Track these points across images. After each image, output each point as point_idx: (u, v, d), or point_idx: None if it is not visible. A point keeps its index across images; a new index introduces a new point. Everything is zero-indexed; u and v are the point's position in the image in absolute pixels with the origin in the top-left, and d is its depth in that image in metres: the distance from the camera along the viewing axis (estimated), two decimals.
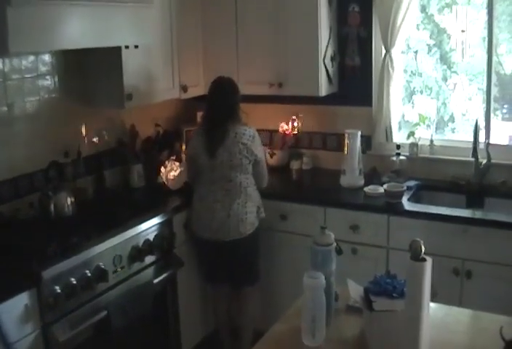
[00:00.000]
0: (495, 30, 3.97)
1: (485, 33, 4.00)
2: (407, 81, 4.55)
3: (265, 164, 3.71)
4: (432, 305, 2.18)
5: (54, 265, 2.72)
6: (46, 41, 2.83)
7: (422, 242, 1.85)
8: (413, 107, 4.55)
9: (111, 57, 3.47)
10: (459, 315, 2.32)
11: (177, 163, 3.93)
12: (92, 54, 3.45)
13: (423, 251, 1.85)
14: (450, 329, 2.16)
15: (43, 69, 3.45)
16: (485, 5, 3.98)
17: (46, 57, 3.46)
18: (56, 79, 3.53)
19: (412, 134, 4.12)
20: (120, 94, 3.50)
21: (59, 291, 2.72)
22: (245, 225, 3.55)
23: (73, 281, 2.80)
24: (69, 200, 3.31)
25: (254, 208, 3.59)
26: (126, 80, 3.51)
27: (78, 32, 2.96)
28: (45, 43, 2.88)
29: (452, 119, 4.66)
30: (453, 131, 4.58)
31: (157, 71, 3.80)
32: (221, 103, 3.53)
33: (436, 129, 4.45)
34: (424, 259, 1.85)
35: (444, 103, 4.70)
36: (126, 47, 3.42)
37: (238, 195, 3.54)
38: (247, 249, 3.64)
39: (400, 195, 3.65)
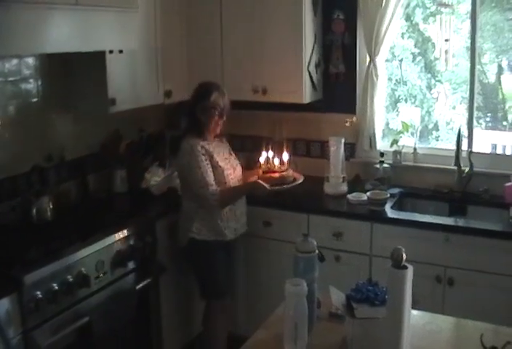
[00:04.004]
0: (479, 40, 4.01)
1: (469, 42, 4.03)
2: (392, 89, 4.57)
3: (197, 182, 3.37)
4: (414, 312, 2.18)
5: (35, 270, 2.70)
6: (29, 45, 2.81)
7: (403, 250, 1.86)
8: (397, 115, 4.57)
9: (95, 61, 3.45)
10: (441, 323, 2.32)
11: (161, 169, 3.92)
12: (76, 58, 3.43)
13: (404, 258, 1.85)
14: (432, 337, 2.17)
15: (26, 72, 3.43)
16: (469, 15, 4.01)
17: (30, 61, 3.44)
18: (39, 83, 3.50)
19: (395, 142, 4.14)
20: (104, 99, 3.48)
21: (40, 296, 2.69)
22: (178, 235, 3.61)
23: (55, 286, 2.78)
24: (51, 204, 3.29)
25: (186, 224, 3.52)
26: (111, 85, 3.49)
27: (62, 36, 2.94)
28: (29, 47, 2.86)
29: (436, 127, 4.70)
30: (437, 140, 4.62)
31: (141, 76, 3.79)
32: (184, 110, 3.59)
33: (420, 137, 4.48)
34: (405, 267, 1.86)
35: (428, 111, 4.73)
36: (111, 52, 3.40)
37: (183, 205, 3.59)
38: (188, 259, 3.65)
39: (383, 202, 3.66)
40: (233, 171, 3.56)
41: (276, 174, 3.51)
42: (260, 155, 3.72)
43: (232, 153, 3.69)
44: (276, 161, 3.60)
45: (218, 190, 3.38)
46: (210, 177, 3.38)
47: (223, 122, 3.52)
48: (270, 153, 3.63)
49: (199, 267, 3.61)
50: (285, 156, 3.61)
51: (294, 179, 3.57)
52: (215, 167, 3.43)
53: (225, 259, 3.65)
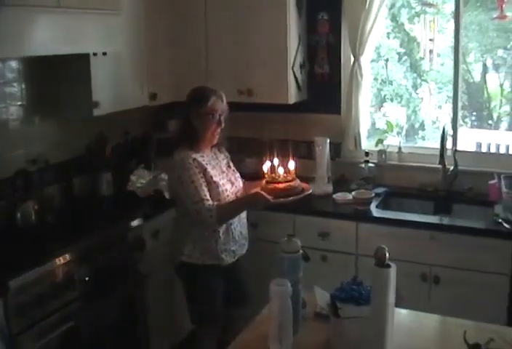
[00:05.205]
0: (464, 39, 4.03)
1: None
2: (378, 88, 4.58)
3: (191, 197, 3.03)
4: (399, 310, 2.20)
5: (21, 274, 2.68)
6: (12, 48, 2.82)
7: (386, 249, 1.87)
8: (383, 114, 4.59)
9: (79, 64, 3.43)
10: (426, 321, 2.34)
11: (146, 171, 3.92)
12: (60, 61, 3.41)
13: (387, 257, 1.86)
14: (417, 335, 2.18)
15: (10, 76, 3.40)
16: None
17: (13, 64, 3.41)
18: (23, 86, 3.48)
19: (380, 141, 4.15)
20: (88, 102, 3.45)
21: (26, 301, 2.68)
22: (172, 252, 3.33)
23: (41, 290, 2.76)
24: (36, 208, 3.27)
25: (177, 244, 3.24)
26: (95, 87, 3.46)
27: (46, 38, 2.95)
28: (11, 50, 2.87)
29: (422, 127, 4.72)
30: (423, 139, 4.63)
31: (126, 78, 3.78)
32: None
33: (407, 136, 4.50)
34: (388, 266, 1.86)
35: (414, 111, 4.76)
36: (95, 54, 3.39)
37: (175, 223, 3.38)
38: (181, 281, 3.33)
39: (368, 202, 3.68)
40: (230, 186, 3.22)
41: (281, 185, 3.09)
42: (245, 157, 3.66)
43: (231, 165, 3.36)
44: (281, 170, 3.15)
45: (214, 205, 3.03)
46: (205, 191, 3.04)
47: (222, 130, 3.20)
48: (275, 161, 3.20)
49: (190, 293, 3.28)
50: (291, 164, 3.18)
51: (302, 191, 3.15)
52: (209, 182, 3.09)
53: (222, 286, 3.28)
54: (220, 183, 3.14)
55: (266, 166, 3.18)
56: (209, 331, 3.33)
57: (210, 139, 3.20)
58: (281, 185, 3.09)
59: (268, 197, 3.02)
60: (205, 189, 3.06)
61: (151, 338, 3.66)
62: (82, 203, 3.76)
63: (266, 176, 3.16)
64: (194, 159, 3.08)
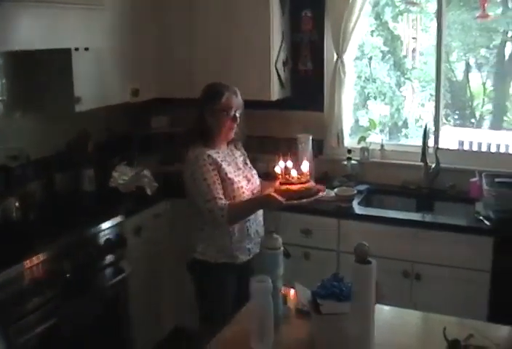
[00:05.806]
0: (447, 38, 4.04)
1: None
2: (361, 86, 4.59)
3: (203, 195, 2.97)
4: (381, 307, 2.21)
5: (1, 271, 2.66)
6: None
7: (367, 245, 1.87)
8: (367, 112, 4.60)
9: (61, 59, 3.40)
10: (408, 317, 2.34)
11: (129, 168, 3.90)
12: (42, 56, 3.39)
13: (368, 253, 1.86)
14: (399, 331, 2.18)
15: None
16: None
17: None
18: (3, 81, 3.45)
19: (363, 138, 4.16)
20: (70, 98, 3.43)
21: (7, 298, 2.66)
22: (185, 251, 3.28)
23: (21, 287, 2.75)
24: (17, 205, 3.24)
25: (190, 242, 3.18)
26: (77, 83, 3.44)
27: (27, 33, 2.94)
28: None
29: (405, 125, 4.73)
30: (406, 137, 4.65)
31: (108, 74, 3.75)
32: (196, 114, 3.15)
33: (390, 134, 4.51)
34: (369, 262, 1.87)
35: (397, 109, 4.77)
36: (76, 49, 3.37)
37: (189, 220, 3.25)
38: (192, 278, 3.24)
39: (351, 199, 3.69)
40: (246, 183, 3.15)
41: (295, 187, 3.00)
42: None
43: (248, 162, 3.30)
44: (294, 172, 3.05)
45: (227, 204, 2.96)
46: (218, 189, 2.98)
47: (238, 125, 3.14)
48: (289, 163, 3.08)
49: (201, 290, 3.20)
50: (305, 166, 3.08)
51: (316, 192, 3.08)
52: (223, 179, 3.02)
53: (235, 285, 3.16)
54: (236, 180, 3.08)
55: (279, 167, 3.09)
56: (216, 329, 3.26)
57: (226, 136, 3.15)
58: (294, 187, 3.01)
59: (280, 199, 2.95)
60: (218, 187, 3.00)
61: (134, 336, 3.64)
62: (64, 200, 3.73)
63: (280, 177, 3.07)
64: (209, 155, 3.03)
